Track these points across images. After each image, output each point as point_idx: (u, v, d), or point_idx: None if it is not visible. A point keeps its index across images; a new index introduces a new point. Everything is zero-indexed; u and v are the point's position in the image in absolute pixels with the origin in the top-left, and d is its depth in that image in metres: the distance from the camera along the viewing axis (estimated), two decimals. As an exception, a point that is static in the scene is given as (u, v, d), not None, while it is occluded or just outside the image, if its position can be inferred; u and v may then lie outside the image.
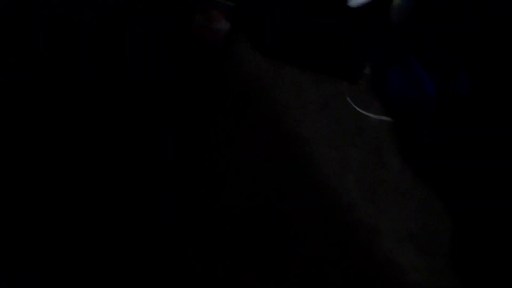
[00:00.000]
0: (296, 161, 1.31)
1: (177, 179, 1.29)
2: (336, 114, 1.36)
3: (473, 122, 1.31)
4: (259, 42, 1.44)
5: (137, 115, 1.38)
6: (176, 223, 1.23)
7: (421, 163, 1.30)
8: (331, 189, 1.28)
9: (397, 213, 1.25)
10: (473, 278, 1.22)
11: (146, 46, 1.45)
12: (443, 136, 1.29)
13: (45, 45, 1.44)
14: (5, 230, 1.24)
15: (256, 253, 1.19)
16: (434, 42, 1.28)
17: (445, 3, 1.26)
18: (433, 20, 1.29)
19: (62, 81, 1.41)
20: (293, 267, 1.20)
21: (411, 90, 1.30)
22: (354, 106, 1.36)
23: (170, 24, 1.45)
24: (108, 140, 1.35)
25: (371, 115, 1.35)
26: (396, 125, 1.34)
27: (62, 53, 1.44)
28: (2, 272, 1.19)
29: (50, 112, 1.37)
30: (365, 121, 1.35)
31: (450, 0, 1.27)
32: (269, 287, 1.16)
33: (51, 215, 1.25)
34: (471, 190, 1.27)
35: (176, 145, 1.34)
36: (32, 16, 1.47)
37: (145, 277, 1.15)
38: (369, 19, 1.21)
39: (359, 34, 1.24)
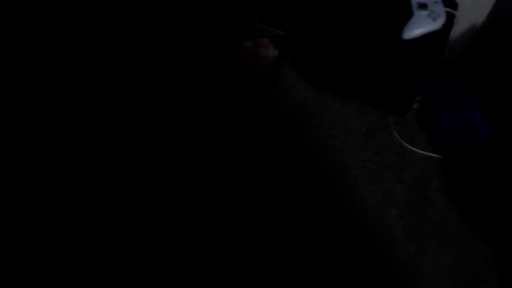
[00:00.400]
0: (335, 190, 1.25)
1: (177, 179, 1.29)
2: (380, 146, 1.30)
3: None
4: (305, 70, 1.42)
5: (137, 115, 1.38)
6: (176, 223, 1.23)
7: (470, 204, 1.19)
8: (371, 223, 1.19)
9: (441, 256, 1.13)
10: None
11: (146, 46, 1.45)
12: (494, 176, 1.15)
13: (45, 45, 1.45)
14: (5, 230, 1.24)
15: (256, 253, 1.19)
16: (489, 80, 1.17)
17: (502, 43, 1.16)
18: (490, 57, 1.19)
19: (62, 81, 1.41)
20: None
21: (462, 128, 1.20)
22: (400, 139, 1.30)
23: (170, 24, 1.45)
24: (108, 140, 1.35)
25: (417, 150, 1.28)
26: (444, 162, 1.26)
27: (62, 53, 1.44)
28: (2, 272, 1.19)
29: (50, 112, 1.38)
30: (411, 156, 1.28)
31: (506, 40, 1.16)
32: (269, 287, 1.16)
33: (51, 215, 1.25)
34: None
35: (176, 145, 1.34)
36: (32, 16, 1.47)
37: (145, 277, 1.15)
38: (423, 52, 1.11)
39: (411, 66, 1.15)
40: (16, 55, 1.44)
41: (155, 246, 1.20)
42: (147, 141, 1.35)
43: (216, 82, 1.41)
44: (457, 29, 1.24)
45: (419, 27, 1.13)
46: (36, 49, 1.44)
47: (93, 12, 1.47)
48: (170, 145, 1.35)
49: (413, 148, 1.29)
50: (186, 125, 1.37)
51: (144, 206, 1.26)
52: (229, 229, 1.22)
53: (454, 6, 1.16)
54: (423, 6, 1.12)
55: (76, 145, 1.34)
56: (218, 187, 1.27)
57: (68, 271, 1.17)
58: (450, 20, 1.14)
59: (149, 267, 1.17)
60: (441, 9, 1.13)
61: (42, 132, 1.35)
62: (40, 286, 1.17)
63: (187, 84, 1.42)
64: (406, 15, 1.14)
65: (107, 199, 1.27)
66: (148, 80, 1.41)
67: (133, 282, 1.17)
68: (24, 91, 1.39)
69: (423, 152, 1.28)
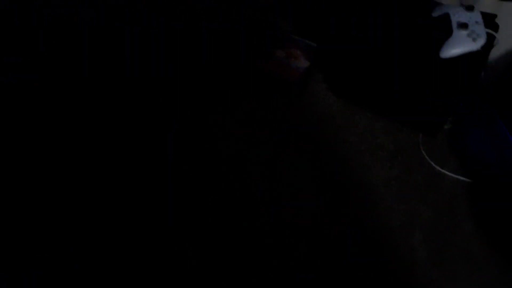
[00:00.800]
0: (358, 206, 1.22)
1: (177, 179, 1.29)
2: (408, 165, 1.26)
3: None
4: (335, 83, 1.41)
5: (137, 115, 1.38)
6: (176, 223, 1.23)
7: (499, 231, 1.14)
8: (394, 243, 1.15)
9: (466, 283, 1.08)
10: None
11: (146, 46, 1.45)
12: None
13: (45, 45, 1.45)
14: (5, 230, 1.24)
15: (256, 253, 1.19)
16: None
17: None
18: None
19: (62, 81, 1.41)
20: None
21: (494, 152, 1.17)
22: (429, 160, 1.26)
23: (170, 24, 1.45)
24: (108, 140, 1.35)
25: (446, 172, 1.23)
26: (473, 187, 1.21)
27: (62, 53, 1.44)
28: (2, 272, 1.19)
29: (50, 112, 1.38)
30: (440, 177, 1.23)
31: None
32: (269, 286, 1.16)
33: (51, 215, 1.25)
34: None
35: (176, 145, 1.34)
36: (32, 16, 1.47)
37: (145, 277, 1.15)
38: (459, 72, 1.07)
39: (446, 86, 1.12)
40: (16, 55, 1.44)
41: (155, 246, 1.20)
42: (147, 141, 1.35)
43: (288, 117, 1.40)
44: (496, 51, 1.21)
45: (458, 46, 1.09)
46: (36, 49, 1.44)
47: (93, 12, 1.47)
48: (170, 145, 1.34)
49: (442, 170, 1.25)
50: (186, 125, 1.37)
51: (144, 206, 1.26)
52: (229, 229, 1.22)
53: (495, 27, 1.12)
54: (464, 26, 1.09)
55: (76, 145, 1.34)
56: (218, 187, 1.27)
57: (68, 271, 1.17)
58: (490, 41, 1.10)
59: (149, 267, 1.17)
60: (481, 30, 1.09)
61: (42, 132, 1.35)
62: (40, 286, 1.17)
63: (187, 84, 1.41)
64: (446, 33, 1.11)
65: (107, 199, 1.27)
66: (148, 80, 1.41)
67: (133, 282, 1.17)
68: (24, 91, 1.39)
69: (452, 174, 1.24)
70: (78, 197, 1.27)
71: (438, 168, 1.25)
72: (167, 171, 1.30)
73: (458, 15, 1.12)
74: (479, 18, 1.10)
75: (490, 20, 1.12)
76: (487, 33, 1.09)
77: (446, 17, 1.13)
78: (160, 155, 1.32)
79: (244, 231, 1.22)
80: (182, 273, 1.17)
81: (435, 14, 1.16)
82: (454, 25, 1.11)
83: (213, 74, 1.44)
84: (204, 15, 1.51)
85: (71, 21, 1.46)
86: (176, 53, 1.44)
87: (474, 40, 1.08)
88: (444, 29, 1.11)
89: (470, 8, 1.12)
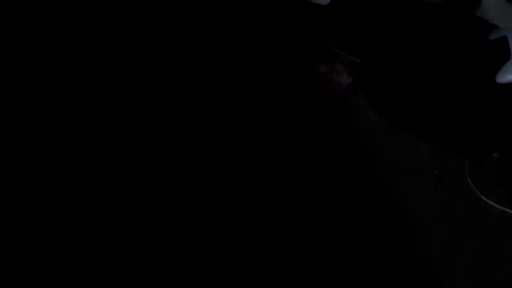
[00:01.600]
0: (397, 232, 1.17)
1: (177, 179, 1.29)
2: (452, 193, 1.20)
3: None
4: (378, 101, 1.35)
5: (137, 115, 1.38)
6: (176, 223, 1.23)
7: None
8: (433, 275, 1.11)
9: None
10: None
11: (146, 46, 1.45)
12: None
13: (45, 45, 1.44)
14: (5, 230, 1.24)
15: (256, 253, 1.19)
16: None
17: None
18: None
19: (62, 81, 1.41)
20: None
21: None
22: (474, 189, 1.19)
23: (170, 24, 1.45)
24: (108, 140, 1.35)
25: (493, 203, 1.17)
26: None
27: (62, 53, 1.44)
28: (2, 272, 1.19)
29: (50, 112, 1.37)
30: (485, 208, 1.18)
31: None
32: (269, 286, 1.16)
33: (51, 215, 1.25)
34: None
35: (176, 145, 1.34)
36: (32, 16, 1.47)
37: (145, 277, 1.15)
38: None
39: (498, 112, 1.08)
40: (16, 55, 1.44)
41: (155, 246, 1.20)
42: (147, 141, 1.35)
43: (327, 133, 1.35)
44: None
45: None
46: (36, 49, 1.44)
47: (93, 12, 1.47)
48: (170, 145, 1.34)
49: (488, 201, 1.19)
50: (186, 125, 1.37)
51: (144, 206, 1.26)
52: (229, 229, 1.21)
53: None
54: None
55: (76, 145, 1.34)
56: (218, 187, 1.27)
57: (68, 271, 1.17)
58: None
59: (149, 267, 1.17)
60: None
61: (42, 132, 1.35)
62: (40, 286, 1.17)
63: (188, 84, 1.41)
64: (503, 57, 1.06)
65: (107, 199, 1.27)
66: (148, 80, 1.41)
67: (133, 282, 1.17)
68: (24, 91, 1.39)
69: (499, 206, 1.18)
70: (78, 197, 1.27)
71: (484, 198, 1.19)
72: (167, 171, 1.30)
73: None
74: None
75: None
76: None
77: (504, 41, 1.08)
78: (160, 155, 1.32)
79: (244, 231, 1.21)
80: (182, 273, 1.16)
81: (492, 37, 1.12)
82: None
83: (213, 74, 1.44)
84: (204, 15, 1.51)
85: (71, 21, 1.46)
86: (176, 53, 1.44)
87: (532, 66, 1.02)
88: (501, 53, 1.07)
89: None
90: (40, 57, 1.43)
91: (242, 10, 1.47)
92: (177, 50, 1.45)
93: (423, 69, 1.14)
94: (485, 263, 1.12)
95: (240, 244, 1.19)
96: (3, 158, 1.32)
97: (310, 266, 1.17)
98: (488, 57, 1.09)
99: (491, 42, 1.12)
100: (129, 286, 1.16)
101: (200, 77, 1.42)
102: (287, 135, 1.33)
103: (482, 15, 1.07)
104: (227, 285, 1.14)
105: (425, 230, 1.17)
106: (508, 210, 1.17)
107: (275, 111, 1.39)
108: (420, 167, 1.25)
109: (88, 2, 1.48)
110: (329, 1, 1.32)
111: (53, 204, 1.26)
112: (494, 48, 1.10)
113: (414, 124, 1.30)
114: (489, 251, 1.13)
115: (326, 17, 1.48)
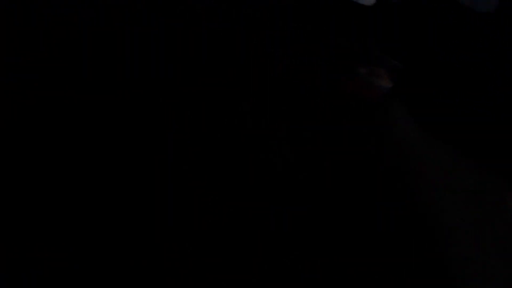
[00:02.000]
0: (426, 248, 1.09)
1: (177, 179, 1.29)
2: (490, 209, 1.14)
3: None
4: (418, 109, 1.29)
5: (137, 115, 1.38)
6: (176, 223, 1.23)
7: None
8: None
9: None
10: None
11: (146, 46, 1.45)
12: None
13: (45, 45, 1.44)
14: (5, 230, 1.24)
15: (256, 253, 1.19)
16: None
17: None
18: None
19: (62, 81, 1.41)
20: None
21: None
22: None
23: (170, 24, 1.45)
24: (108, 140, 1.35)
25: None
26: None
27: (62, 53, 1.44)
28: (2, 272, 1.19)
29: (50, 112, 1.37)
30: None
31: None
32: (269, 286, 1.16)
33: (51, 215, 1.25)
34: None
35: (176, 145, 1.34)
36: (32, 16, 1.47)
37: (145, 277, 1.15)
38: None
39: None
40: (16, 55, 1.44)
41: (155, 246, 1.20)
42: (147, 141, 1.35)
43: (360, 138, 1.28)
44: None
45: None
46: (36, 49, 1.44)
47: (93, 12, 1.47)
48: (170, 145, 1.34)
49: None
50: (186, 125, 1.37)
51: (144, 206, 1.25)
52: (229, 229, 1.21)
53: None
54: None
55: (76, 145, 1.34)
56: (218, 187, 1.27)
57: (68, 271, 1.17)
58: None
59: (149, 267, 1.17)
60: None
61: (42, 132, 1.35)
62: (40, 286, 1.17)
63: (188, 84, 1.41)
64: None
65: (107, 199, 1.27)
66: (148, 80, 1.41)
67: (133, 282, 1.16)
68: (24, 91, 1.39)
69: None
70: (78, 197, 1.27)
71: None
72: (167, 171, 1.30)
73: None
74: None
75: None
76: None
77: None
78: (160, 155, 1.32)
79: (244, 231, 1.21)
80: (182, 273, 1.16)
81: None
82: None
83: (213, 74, 1.44)
84: (204, 15, 1.51)
85: (71, 21, 1.46)
86: (176, 53, 1.44)
87: None
88: None
89: None
90: (40, 57, 1.43)
91: (242, 10, 1.47)
92: (177, 50, 1.45)
93: (471, 78, 1.09)
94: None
95: (240, 244, 1.19)
96: (3, 158, 1.32)
97: (310, 266, 1.16)
98: None
99: None
100: (129, 286, 1.16)
101: (200, 77, 1.42)
102: (298, 135, 1.30)
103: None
104: (227, 285, 1.14)
105: (458, 249, 1.09)
106: None
107: (275, 111, 1.38)
108: (459, 182, 1.19)
109: (88, 2, 1.48)
110: (374, 2, 1.30)
111: (53, 204, 1.26)
112: None
113: (455, 136, 1.24)
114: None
115: (368, 19, 1.42)
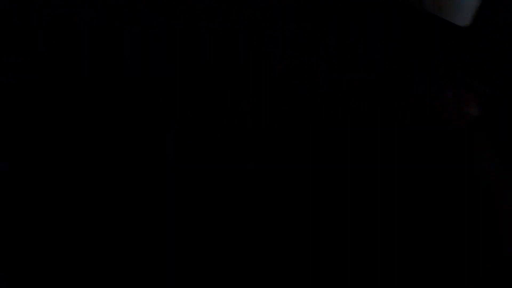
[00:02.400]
0: None
1: (177, 179, 1.29)
2: None
3: None
4: (505, 142, 1.18)
5: (137, 115, 1.38)
6: (176, 223, 1.23)
7: None
8: None
9: None
10: None
11: (146, 46, 1.45)
12: None
13: (45, 45, 1.44)
14: (5, 230, 1.24)
15: (256, 253, 1.19)
16: None
17: None
18: None
19: (62, 81, 1.41)
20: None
21: None
22: None
23: (170, 24, 1.45)
24: (108, 140, 1.35)
25: None
26: None
27: (62, 53, 1.44)
28: (2, 272, 1.19)
29: (50, 112, 1.37)
30: None
31: None
32: (269, 286, 1.16)
33: (51, 215, 1.25)
34: None
35: (176, 145, 1.34)
36: (32, 16, 1.47)
37: (145, 277, 1.15)
38: None
39: None
40: (16, 55, 1.44)
41: (155, 246, 1.20)
42: (147, 141, 1.35)
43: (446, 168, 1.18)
44: None
45: None
46: (36, 49, 1.44)
47: (93, 12, 1.47)
48: (170, 145, 1.34)
49: None
50: (186, 125, 1.37)
51: (144, 206, 1.25)
52: (229, 229, 1.21)
53: None
54: None
55: (76, 145, 1.34)
56: (218, 187, 1.27)
57: (68, 271, 1.17)
58: None
59: (149, 267, 1.17)
60: None
61: (42, 132, 1.35)
62: (40, 286, 1.17)
63: (188, 84, 1.41)
64: None
65: (107, 199, 1.27)
66: (148, 80, 1.41)
67: (133, 282, 1.16)
68: (24, 91, 1.39)
69: None
70: (78, 196, 1.27)
71: None
72: (167, 171, 1.30)
73: None
74: None
75: None
76: None
77: None
78: (160, 155, 1.32)
79: (244, 231, 1.21)
80: (182, 273, 1.16)
81: None
82: None
83: (213, 74, 1.44)
84: (204, 15, 1.51)
85: (71, 21, 1.46)
86: (176, 53, 1.44)
87: None
88: None
89: None
90: (40, 57, 1.43)
91: (242, 10, 1.47)
92: (177, 50, 1.45)
93: None
94: None
95: (240, 244, 1.20)
96: (3, 158, 1.32)
97: (310, 266, 1.16)
98: None
99: None
100: (129, 286, 1.16)
101: (200, 77, 1.42)
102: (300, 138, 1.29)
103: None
104: (227, 285, 1.14)
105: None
106: None
107: (275, 111, 1.39)
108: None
109: (88, 2, 1.48)
110: (469, 23, 1.21)
111: (53, 204, 1.26)
112: None
113: None
114: None
115: (461, 42, 1.30)
